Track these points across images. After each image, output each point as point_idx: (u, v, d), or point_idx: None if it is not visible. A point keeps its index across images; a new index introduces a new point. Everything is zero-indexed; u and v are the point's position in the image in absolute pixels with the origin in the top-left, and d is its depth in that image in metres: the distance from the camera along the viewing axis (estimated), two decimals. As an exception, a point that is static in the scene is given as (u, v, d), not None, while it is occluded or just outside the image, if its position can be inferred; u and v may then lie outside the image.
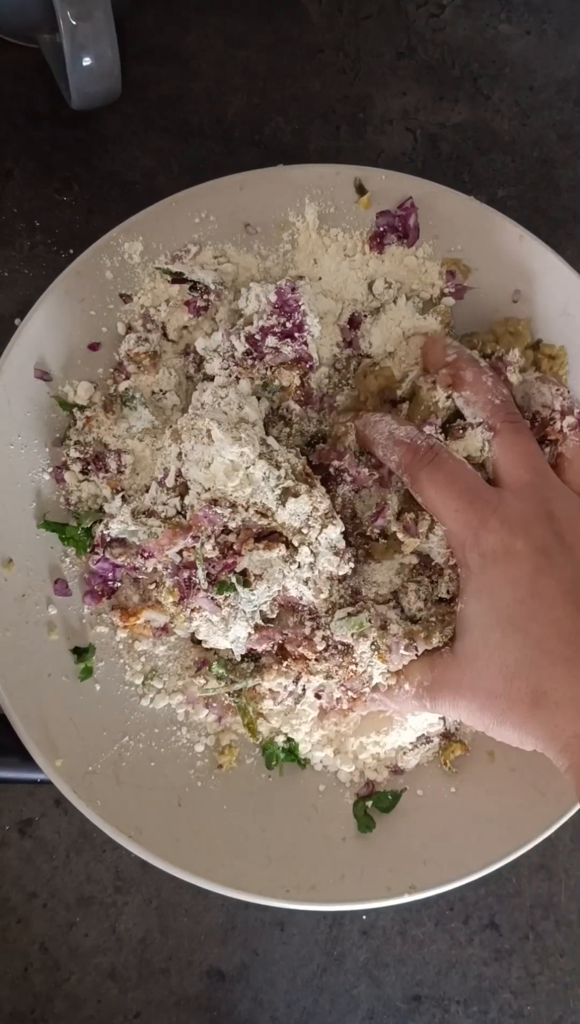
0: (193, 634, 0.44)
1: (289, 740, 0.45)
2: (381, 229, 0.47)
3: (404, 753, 0.45)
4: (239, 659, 0.44)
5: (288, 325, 0.43)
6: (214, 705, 0.44)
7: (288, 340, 0.44)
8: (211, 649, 0.44)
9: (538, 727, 0.37)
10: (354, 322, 0.46)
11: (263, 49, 0.55)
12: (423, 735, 0.45)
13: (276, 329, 0.43)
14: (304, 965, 0.49)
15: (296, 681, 0.43)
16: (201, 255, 0.46)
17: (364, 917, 0.50)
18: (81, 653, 0.43)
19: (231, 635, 0.42)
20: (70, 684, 0.43)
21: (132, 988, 0.48)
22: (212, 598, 0.41)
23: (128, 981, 0.48)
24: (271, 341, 0.43)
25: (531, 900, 0.50)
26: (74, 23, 0.44)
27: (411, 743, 0.45)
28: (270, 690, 0.43)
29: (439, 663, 0.40)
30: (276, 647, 0.43)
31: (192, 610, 0.42)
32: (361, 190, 0.47)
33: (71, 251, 0.51)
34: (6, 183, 0.52)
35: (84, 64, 0.46)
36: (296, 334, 0.44)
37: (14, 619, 0.43)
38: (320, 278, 0.47)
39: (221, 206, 0.47)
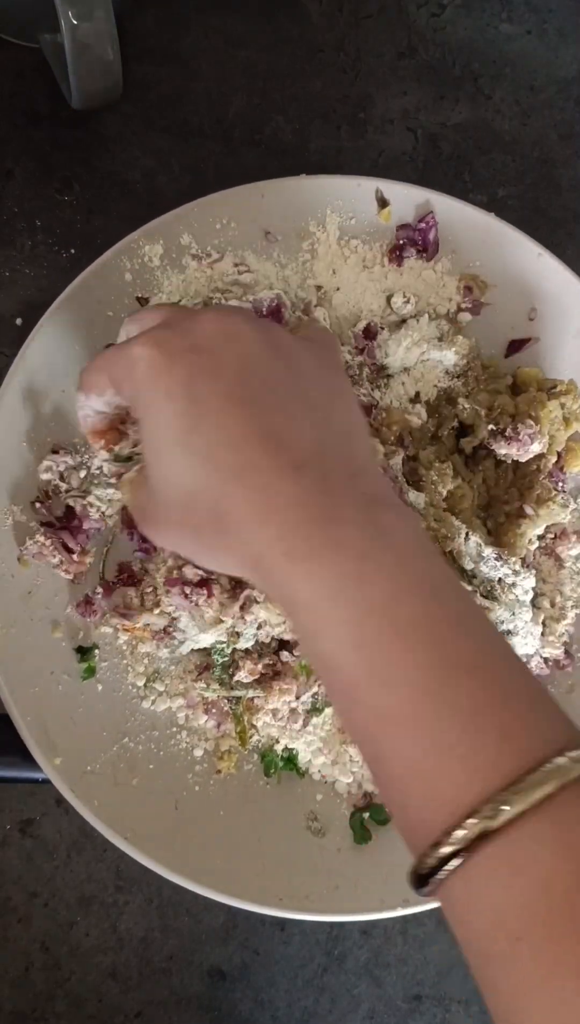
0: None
1: (288, 748, 0.45)
2: (401, 242, 0.47)
3: None
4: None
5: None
6: (213, 711, 0.44)
7: None
8: (206, 650, 0.44)
9: (229, 553, 0.32)
10: (370, 332, 0.46)
11: (263, 49, 0.55)
12: None
13: None
14: (305, 965, 0.49)
15: (298, 697, 0.43)
16: (221, 262, 0.46)
17: (365, 917, 0.50)
18: (84, 652, 0.43)
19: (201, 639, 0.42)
20: (72, 683, 0.43)
21: (133, 988, 0.48)
22: (185, 594, 0.42)
23: (129, 980, 0.48)
24: None
25: (532, 900, 0.50)
26: (75, 22, 0.44)
27: None
28: (273, 710, 0.43)
29: (140, 493, 0.36)
30: (271, 672, 0.43)
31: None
32: (382, 203, 0.47)
33: (72, 251, 0.51)
34: (6, 183, 0.52)
35: (85, 64, 0.46)
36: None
37: (19, 616, 0.43)
38: (338, 288, 0.47)
39: (242, 213, 0.47)
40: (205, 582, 0.41)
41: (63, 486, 0.44)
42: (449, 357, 0.45)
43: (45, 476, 0.43)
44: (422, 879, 0.27)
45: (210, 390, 0.32)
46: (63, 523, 0.43)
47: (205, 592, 0.41)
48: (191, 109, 0.54)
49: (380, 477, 0.34)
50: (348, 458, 0.33)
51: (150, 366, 0.33)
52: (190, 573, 0.41)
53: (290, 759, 0.45)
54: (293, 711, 0.43)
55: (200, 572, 0.41)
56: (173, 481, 0.33)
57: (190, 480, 0.32)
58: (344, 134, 0.55)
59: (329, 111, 0.55)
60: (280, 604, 0.32)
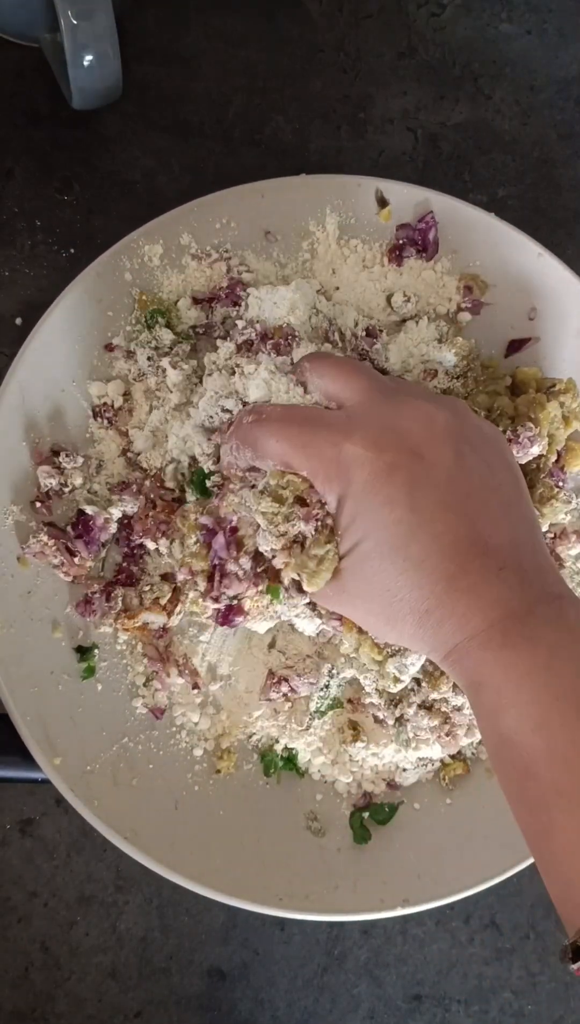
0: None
1: (288, 748, 0.45)
2: (400, 242, 0.47)
3: (403, 770, 0.45)
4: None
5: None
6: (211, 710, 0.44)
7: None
8: None
9: (420, 641, 0.35)
10: (371, 333, 0.46)
11: (263, 49, 0.55)
12: (426, 757, 0.45)
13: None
14: (305, 964, 0.49)
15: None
16: (221, 262, 0.46)
17: (365, 916, 0.50)
18: (84, 652, 0.43)
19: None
20: (72, 683, 0.43)
21: (133, 987, 0.48)
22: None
23: (129, 980, 0.48)
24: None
25: (532, 899, 0.50)
26: (75, 22, 0.44)
27: (411, 764, 0.45)
28: (274, 710, 0.43)
29: (331, 584, 0.37)
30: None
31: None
32: (382, 202, 0.47)
33: (72, 250, 0.51)
34: (7, 183, 0.52)
35: (85, 63, 0.46)
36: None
37: (18, 616, 0.43)
38: (338, 288, 0.47)
39: (242, 213, 0.47)
40: (175, 591, 0.41)
41: (67, 488, 0.44)
42: (449, 359, 0.45)
43: (46, 481, 0.43)
44: (578, 953, 0.29)
45: (428, 498, 0.34)
46: (77, 532, 0.43)
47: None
48: (191, 109, 0.54)
49: (558, 571, 0.37)
50: (535, 553, 0.36)
51: (372, 472, 0.35)
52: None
53: (290, 759, 0.45)
54: (294, 705, 0.43)
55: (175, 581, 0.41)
56: (377, 581, 0.35)
57: (398, 583, 0.35)
58: (344, 134, 0.55)
59: (329, 111, 0.55)
60: (462, 684, 0.35)
